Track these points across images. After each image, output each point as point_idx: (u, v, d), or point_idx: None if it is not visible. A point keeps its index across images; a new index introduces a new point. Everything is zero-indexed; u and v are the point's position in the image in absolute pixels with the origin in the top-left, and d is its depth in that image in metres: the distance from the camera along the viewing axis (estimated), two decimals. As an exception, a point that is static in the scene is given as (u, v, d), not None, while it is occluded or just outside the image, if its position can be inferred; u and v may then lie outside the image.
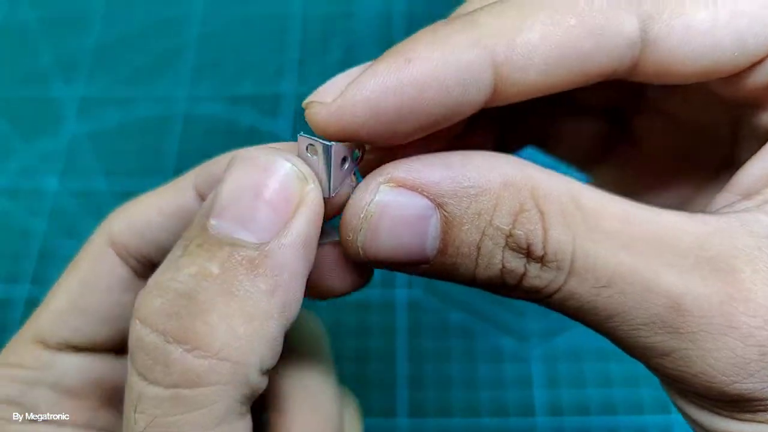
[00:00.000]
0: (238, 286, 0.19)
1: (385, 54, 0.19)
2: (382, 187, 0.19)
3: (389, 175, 0.19)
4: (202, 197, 0.25)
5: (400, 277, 0.45)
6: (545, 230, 0.18)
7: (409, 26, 0.54)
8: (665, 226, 0.18)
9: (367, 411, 0.39)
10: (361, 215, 0.19)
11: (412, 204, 0.19)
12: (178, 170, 0.50)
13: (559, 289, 0.19)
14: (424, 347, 0.42)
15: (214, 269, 0.19)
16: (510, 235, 0.19)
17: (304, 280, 0.20)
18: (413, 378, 0.41)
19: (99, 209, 0.46)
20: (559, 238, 0.18)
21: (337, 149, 0.20)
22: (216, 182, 0.21)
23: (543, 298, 0.19)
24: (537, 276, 0.19)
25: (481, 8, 0.19)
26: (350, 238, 0.20)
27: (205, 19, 0.56)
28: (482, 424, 0.40)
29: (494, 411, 0.40)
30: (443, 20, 0.20)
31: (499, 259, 0.19)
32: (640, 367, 0.20)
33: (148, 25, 0.56)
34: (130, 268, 0.26)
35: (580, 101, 0.28)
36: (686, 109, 0.25)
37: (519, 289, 0.19)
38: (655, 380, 0.21)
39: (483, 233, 0.19)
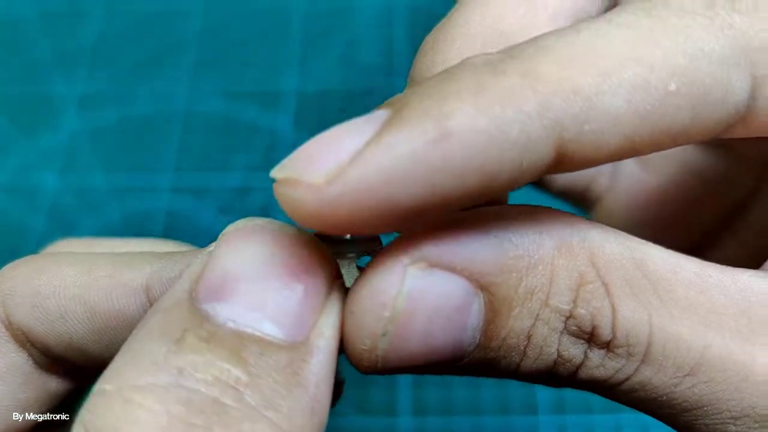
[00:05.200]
0: (273, 400, 0.14)
1: (405, 101, 0.13)
2: (410, 270, 0.14)
3: (419, 253, 0.14)
4: (151, 302, 0.18)
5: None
6: (614, 308, 0.14)
7: (411, 21, 0.54)
8: (747, 292, 0.15)
9: (368, 409, 0.39)
10: (386, 314, 0.14)
11: (453, 291, 0.14)
12: (179, 167, 0.50)
13: (626, 380, 0.15)
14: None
15: (242, 375, 0.14)
16: (571, 317, 0.15)
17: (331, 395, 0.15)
18: (415, 376, 0.41)
19: (98, 207, 0.46)
20: (632, 318, 0.14)
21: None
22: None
23: (601, 390, 0.16)
24: (599, 365, 0.15)
25: (541, 44, 0.14)
26: (366, 346, 0.14)
27: (205, 15, 0.56)
28: (485, 423, 0.39)
29: (497, 409, 0.40)
30: (490, 54, 0.14)
31: (554, 348, 0.15)
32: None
33: (148, 20, 0.56)
34: (29, 356, 0.19)
35: None
36: (702, 160, 0.23)
37: (572, 382, 0.16)
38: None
39: (536, 318, 0.15)
